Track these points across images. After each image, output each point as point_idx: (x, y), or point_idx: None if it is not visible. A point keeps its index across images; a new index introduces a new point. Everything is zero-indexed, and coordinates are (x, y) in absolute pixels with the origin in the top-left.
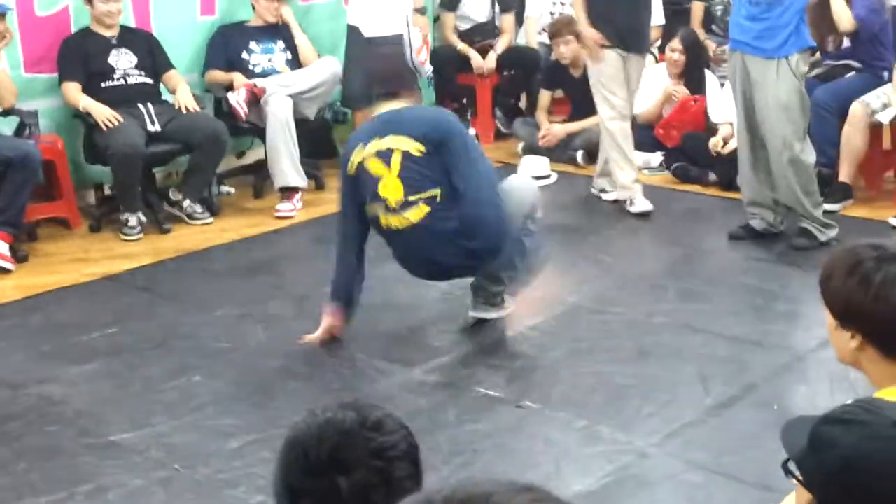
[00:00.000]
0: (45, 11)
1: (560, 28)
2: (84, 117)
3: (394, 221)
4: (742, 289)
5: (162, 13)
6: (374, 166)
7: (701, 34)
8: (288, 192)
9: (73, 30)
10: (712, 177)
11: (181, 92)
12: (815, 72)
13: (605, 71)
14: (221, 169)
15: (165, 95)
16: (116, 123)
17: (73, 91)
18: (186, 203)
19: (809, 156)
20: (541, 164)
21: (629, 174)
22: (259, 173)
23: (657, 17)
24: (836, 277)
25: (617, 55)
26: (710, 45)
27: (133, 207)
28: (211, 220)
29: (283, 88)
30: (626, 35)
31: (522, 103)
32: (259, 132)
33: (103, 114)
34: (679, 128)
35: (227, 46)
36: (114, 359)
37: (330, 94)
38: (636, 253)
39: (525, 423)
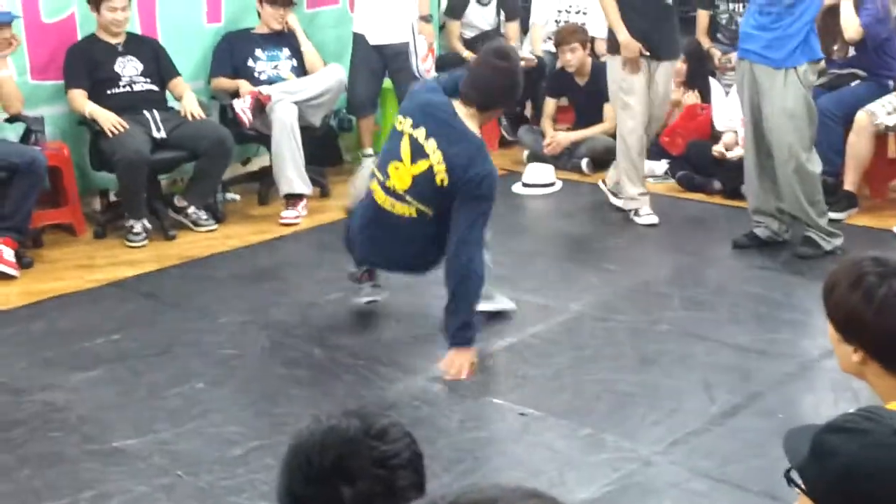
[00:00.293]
0: (51, 18)
1: (565, 36)
2: (90, 124)
3: (382, 198)
4: (746, 297)
5: (168, 20)
6: (405, 149)
7: (706, 42)
8: (293, 199)
9: (80, 37)
10: (717, 185)
11: (187, 99)
12: (821, 80)
13: (628, 79)
14: (226, 176)
15: (171, 102)
16: (122, 130)
17: (79, 98)
18: (191, 210)
19: (815, 165)
20: (545, 171)
21: (637, 187)
22: (264, 180)
23: None
24: (839, 291)
25: (643, 63)
26: (716, 53)
27: (138, 214)
28: (216, 226)
29: (289, 95)
30: (654, 42)
31: (527, 111)
32: (264, 139)
33: (109, 120)
34: (684, 136)
35: (232, 53)
36: (117, 365)
37: (335, 101)
38: (640, 261)
39: (528, 430)
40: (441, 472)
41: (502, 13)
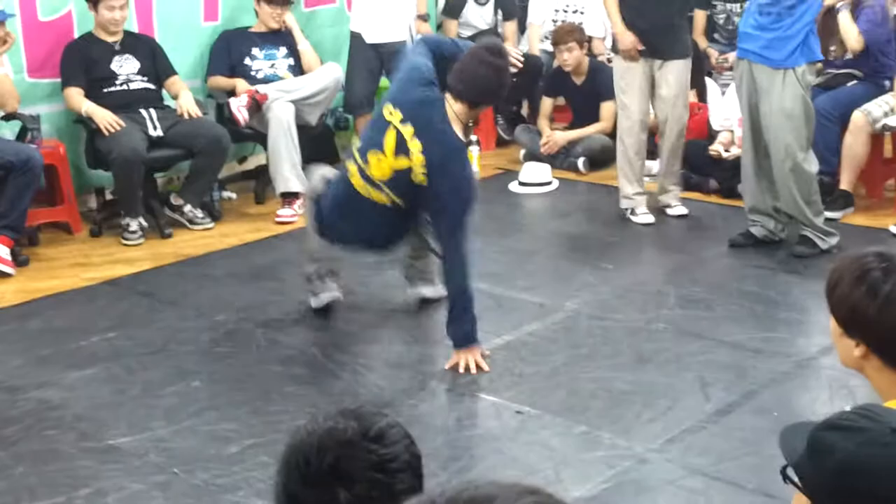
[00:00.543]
0: (48, 16)
1: (562, 35)
2: (86, 122)
3: (359, 182)
4: (742, 296)
5: (165, 19)
6: (389, 140)
7: (703, 42)
8: (289, 197)
9: (76, 35)
10: (713, 184)
11: (183, 97)
12: (818, 80)
13: (626, 78)
14: (223, 174)
15: (168, 101)
16: (118, 128)
17: (76, 96)
18: (187, 208)
19: (812, 165)
20: (542, 170)
21: (634, 187)
22: (260, 179)
23: None
24: (843, 286)
25: (642, 62)
26: (712, 53)
27: (134, 212)
28: (212, 225)
29: (286, 94)
30: (655, 42)
31: (524, 110)
32: (261, 138)
33: (105, 118)
34: None
35: (229, 52)
36: (113, 363)
37: (332, 100)
38: (637, 260)
39: (525, 428)
40: (438, 470)
41: (500, 12)
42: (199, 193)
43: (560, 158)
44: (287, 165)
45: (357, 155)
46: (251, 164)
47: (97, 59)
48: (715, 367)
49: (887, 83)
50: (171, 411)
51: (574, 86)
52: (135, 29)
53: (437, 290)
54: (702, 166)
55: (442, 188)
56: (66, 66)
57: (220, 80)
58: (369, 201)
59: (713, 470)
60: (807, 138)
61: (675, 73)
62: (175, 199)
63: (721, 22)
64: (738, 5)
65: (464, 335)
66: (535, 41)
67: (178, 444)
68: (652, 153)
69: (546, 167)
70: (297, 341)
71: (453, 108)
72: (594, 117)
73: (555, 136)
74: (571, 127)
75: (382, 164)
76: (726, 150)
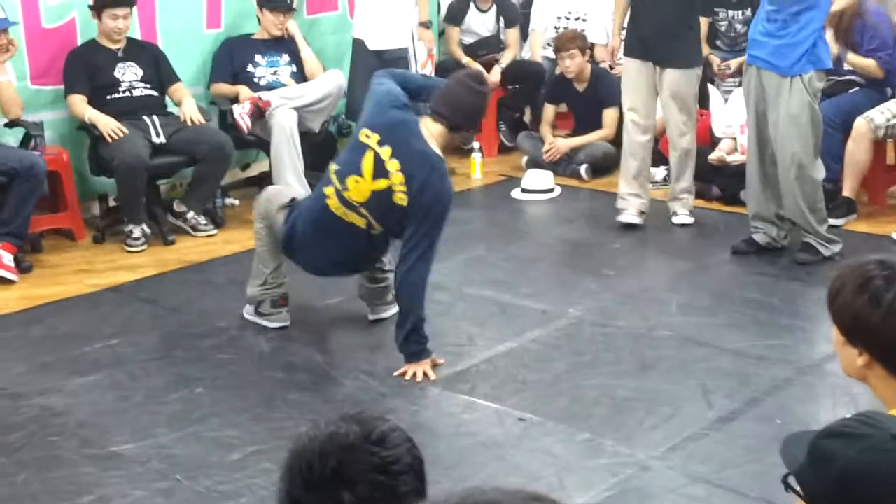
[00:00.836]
0: (51, 23)
1: (565, 42)
2: (89, 129)
3: (336, 205)
4: (745, 303)
5: (168, 26)
6: (367, 164)
7: (706, 49)
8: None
9: (80, 42)
10: (715, 191)
11: (186, 104)
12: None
13: (627, 76)
14: (226, 181)
15: (171, 108)
16: (121, 135)
17: (79, 103)
18: (190, 215)
19: (818, 173)
20: (544, 177)
21: (626, 186)
22: (263, 185)
23: None
24: (845, 294)
25: (638, 65)
26: (715, 59)
27: (137, 219)
28: (215, 231)
29: (289, 101)
30: (656, 49)
31: (526, 117)
32: (264, 145)
33: (108, 125)
34: None
35: (232, 59)
36: (116, 370)
37: (335, 106)
38: (639, 267)
39: (527, 435)
40: (440, 478)
41: (502, 19)
42: (202, 200)
43: (562, 165)
44: (290, 172)
45: (335, 178)
46: (254, 170)
47: (100, 66)
48: (717, 375)
49: (889, 90)
50: (174, 418)
51: (576, 93)
52: (138, 36)
53: (389, 310)
54: (704, 173)
55: (420, 204)
56: (70, 74)
57: (223, 87)
58: (346, 224)
59: (715, 478)
60: (814, 146)
61: (671, 81)
62: (178, 206)
63: (723, 29)
64: (741, 12)
65: (414, 354)
66: (538, 48)
67: (180, 451)
68: (656, 160)
69: (548, 174)
70: (300, 348)
71: (430, 129)
72: (596, 124)
73: (557, 143)
74: (574, 134)
75: (361, 187)
76: (728, 155)
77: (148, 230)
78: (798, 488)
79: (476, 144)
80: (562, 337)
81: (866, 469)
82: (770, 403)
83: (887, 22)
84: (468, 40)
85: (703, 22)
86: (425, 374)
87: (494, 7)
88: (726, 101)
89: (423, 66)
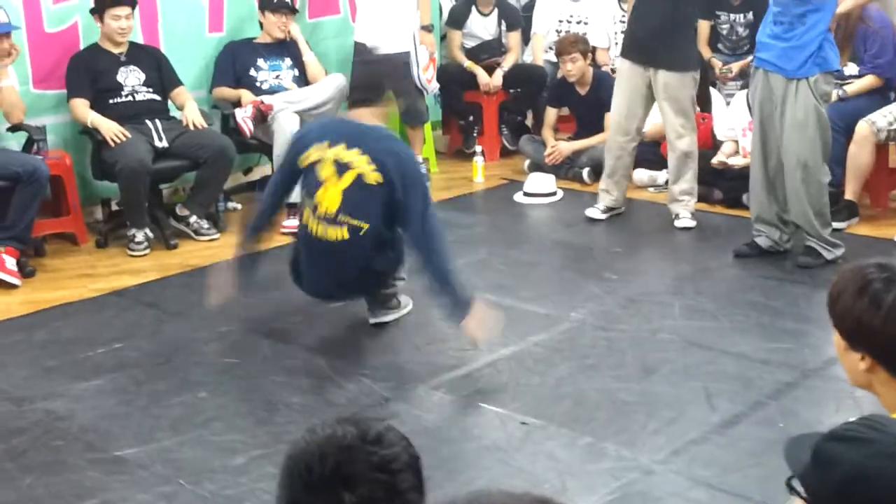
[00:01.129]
0: (53, 28)
1: (566, 46)
2: (92, 133)
3: (315, 226)
4: (748, 306)
5: (170, 29)
6: (326, 171)
7: (707, 52)
8: (294, 208)
9: (82, 46)
10: (717, 194)
11: (189, 108)
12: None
13: (618, 77)
14: (228, 185)
15: (173, 112)
16: (124, 139)
17: (81, 107)
18: (193, 219)
19: (824, 176)
20: (547, 181)
21: (601, 182)
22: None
23: None
24: (845, 299)
25: (630, 67)
26: (716, 63)
27: (140, 223)
28: (217, 235)
29: (291, 105)
30: (650, 51)
31: (529, 120)
32: (266, 149)
33: (111, 130)
34: None
35: (234, 63)
36: (119, 374)
37: (337, 110)
38: (641, 270)
39: (530, 439)
40: (443, 481)
41: (503, 23)
42: (205, 204)
43: (564, 169)
44: None
45: (306, 201)
46: (256, 174)
47: (103, 70)
48: (720, 378)
49: (892, 94)
50: (178, 422)
51: (578, 96)
52: (140, 40)
53: (397, 312)
54: (706, 177)
55: (394, 170)
56: (72, 78)
57: (226, 91)
58: (328, 242)
59: (718, 481)
60: (821, 149)
61: (665, 83)
62: (181, 210)
63: (724, 32)
64: (742, 15)
65: (464, 302)
66: (539, 51)
67: (184, 455)
68: (655, 163)
69: (550, 177)
70: (303, 352)
71: (363, 116)
72: (598, 127)
73: (559, 147)
74: (576, 137)
75: (331, 194)
76: (730, 158)
77: (151, 234)
78: (801, 491)
79: (478, 148)
80: (564, 341)
81: (871, 473)
82: (773, 407)
83: (889, 27)
84: (470, 44)
85: (705, 25)
86: (495, 326)
87: (496, 11)
88: (728, 104)
89: (424, 69)
